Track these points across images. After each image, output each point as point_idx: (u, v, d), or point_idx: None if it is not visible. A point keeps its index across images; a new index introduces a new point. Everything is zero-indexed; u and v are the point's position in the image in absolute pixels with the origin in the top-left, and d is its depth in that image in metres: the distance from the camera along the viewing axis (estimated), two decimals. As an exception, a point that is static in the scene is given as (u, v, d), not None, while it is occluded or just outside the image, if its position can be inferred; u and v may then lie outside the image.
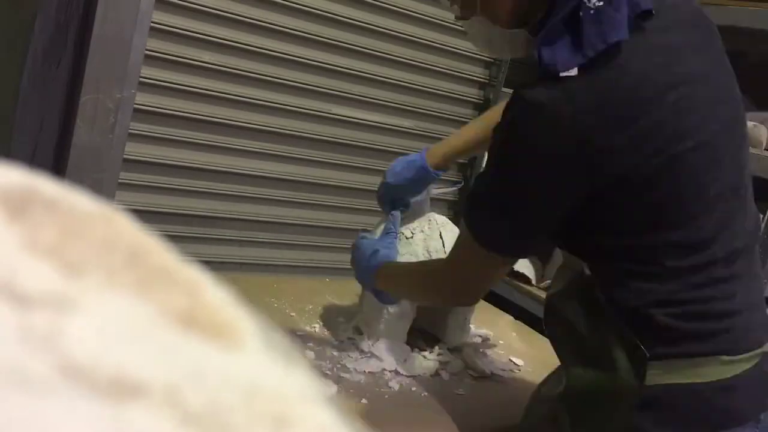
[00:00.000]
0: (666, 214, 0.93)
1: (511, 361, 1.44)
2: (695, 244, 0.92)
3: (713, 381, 0.92)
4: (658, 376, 0.92)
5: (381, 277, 1.20)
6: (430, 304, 1.34)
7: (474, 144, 1.30)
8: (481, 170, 1.06)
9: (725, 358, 0.92)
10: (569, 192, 0.92)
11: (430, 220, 1.38)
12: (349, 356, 1.30)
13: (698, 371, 0.92)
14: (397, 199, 1.33)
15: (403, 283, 1.20)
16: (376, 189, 1.35)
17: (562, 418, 1.01)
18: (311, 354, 1.27)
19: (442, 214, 1.45)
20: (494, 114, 1.24)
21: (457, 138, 1.33)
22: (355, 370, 1.25)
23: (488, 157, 1.02)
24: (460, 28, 2.17)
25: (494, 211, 0.97)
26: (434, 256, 1.32)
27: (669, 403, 0.93)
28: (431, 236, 1.35)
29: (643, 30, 0.91)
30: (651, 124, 0.89)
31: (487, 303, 1.66)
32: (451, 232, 1.36)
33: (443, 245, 1.34)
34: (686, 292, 0.92)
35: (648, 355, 0.91)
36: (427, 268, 1.18)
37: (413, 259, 1.30)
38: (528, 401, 1.14)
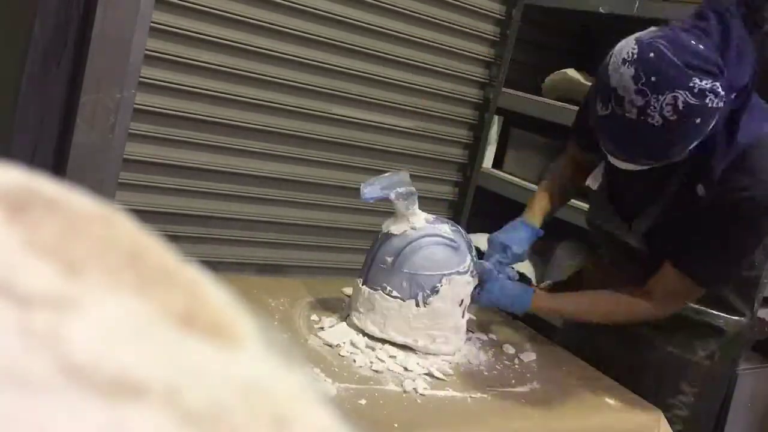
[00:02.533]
0: None
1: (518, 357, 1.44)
2: None
3: None
4: None
5: (544, 303, 1.43)
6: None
7: (558, 203, 1.55)
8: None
9: None
10: None
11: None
12: (349, 356, 1.30)
13: None
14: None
15: (592, 312, 1.41)
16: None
17: None
18: (310, 354, 1.27)
19: (442, 214, 1.45)
20: (562, 172, 1.56)
21: (544, 199, 1.53)
22: (355, 369, 1.25)
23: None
24: (459, 27, 2.17)
25: (725, 264, 1.30)
26: None
27: None
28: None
29: None
30: None
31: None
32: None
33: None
34: None
35: None
36: (629, 304, 1.35)
37: None
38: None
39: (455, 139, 2.36)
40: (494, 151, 2.34)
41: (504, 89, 2.26)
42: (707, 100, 1.06)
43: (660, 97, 1.06)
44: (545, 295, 1.45)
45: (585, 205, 2.17)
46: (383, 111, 2.17)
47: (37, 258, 0.18)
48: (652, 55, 1.07)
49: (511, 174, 2.29)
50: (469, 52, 2.30)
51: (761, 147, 1.18)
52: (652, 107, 1.06)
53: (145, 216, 1.80)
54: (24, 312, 0.17)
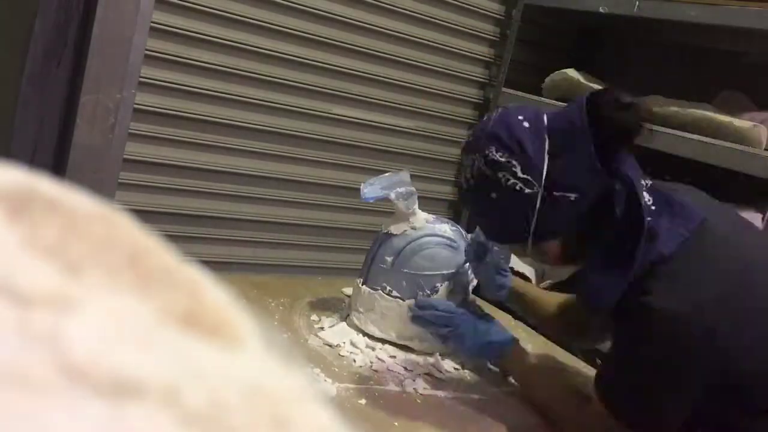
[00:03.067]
0: None
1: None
2: None
3: None
4: None
5: (519, 372, 1.29)
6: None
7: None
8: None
9: None
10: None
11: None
12: (349, 356, 1.30)
13: None
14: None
15: (547, 403, 1.22)
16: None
17: None
18: (310, 354, 1.27)
19: (442, 214, 1.45)
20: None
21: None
22: (355, 369, 1.25)
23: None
24: (459, 27, 2.17)
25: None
26: None
27: None
28: None
29: None
30: None
31: (487, 302, 1.66)
32: None
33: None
34: None
35: None
36: (574, 406, 1.17)
37: None
38: None
39: (455, 139, 2.36)
40: (494, 151, 2.34)
41: (504, 89, 2.26)
42: (500, 175, 1.05)
43: (467, 156, 1.10)
44: (524, 354, 1.30)
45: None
46: (383, 111, 2.17)
47: (37, 258, 0.18)
48: (485, 118, 1.13)
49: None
50: (469, 52, 2.30)
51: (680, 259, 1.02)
52: (462, 168, 1.11)
53: (145, 216, 1.80)
54: (24, 312, 0.17)
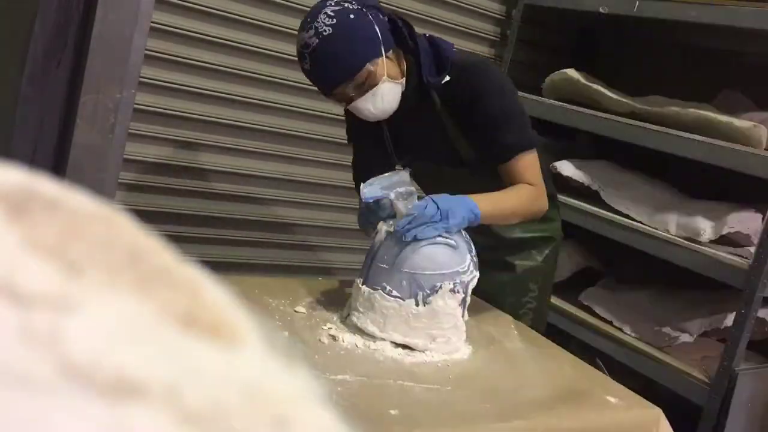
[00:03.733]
0: None
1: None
2: None
3: None
4: None
5: (484, 210, 1.43)
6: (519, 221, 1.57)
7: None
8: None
9: None
10: None
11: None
12: (349, 355, 1.30)
13: None
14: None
15: (507, 210, 1.48)
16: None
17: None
18: (310, 353, 1.27)
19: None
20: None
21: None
22: (355, 368, 1.25)
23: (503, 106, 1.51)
24: (459, 27, 2.18)
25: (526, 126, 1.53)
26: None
27: None
28: None
29: None
30: None
31: (486, 303, 1.66)
32: None
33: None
34: None
35: None
36: (526, 194, 1.48)
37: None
38: None
39: (455, 139, 2.36)
40: (494, 151, 2.34)
41: (504, 89, 2.26)
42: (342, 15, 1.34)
43: (310, 26, 1.33)
44: (481, 197, 1.44)
45: (585, 205, 2.17)
46: (383, 111, 2.17)
47: (37, 258, 0.18)
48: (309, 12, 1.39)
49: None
50: (469, 52, 2.30)
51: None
52: (317, 29, 1.33)
53: (145, 216, 1.80)
54: (24, 312, 0.17)
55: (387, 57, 1.41)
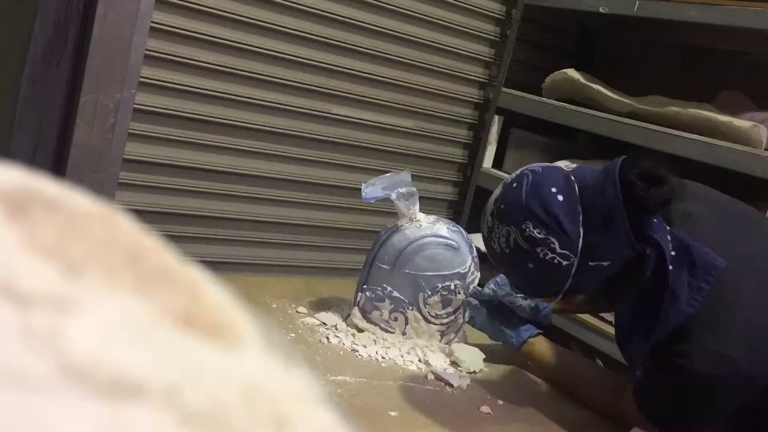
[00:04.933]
0: None
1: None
2: None
3: None
4: None
5: (539, 357, 1.36)
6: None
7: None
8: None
9: None
10: None
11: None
12: (349, 355, 1.30)
13: None
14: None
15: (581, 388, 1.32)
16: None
17: None
18: (310, 353, 1.27)
19: (442, 214, 1.45)
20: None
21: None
22: (356, 368, 1.25)
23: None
24: (459, 27, 2.18)
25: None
26: None
27: None
28: None
29: None
30: None
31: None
32: None
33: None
34: None
35: None
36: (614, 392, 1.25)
37: None
38: None
39: (455, 139, 2.36)
40: (494, 151, 2.35)
41: (504, 89, 2.26)
42: (538, 250, 1.07)
43: (500, 225, 1.11)
44: (546, 344, 1.37)
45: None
46: (383, 111, 2.17)
47: (37, 258, 0.18)
48: (515, 185, 1.12)
49: (511, 174, 2.29)
50: (469, 52, 2.30)
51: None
52: (494, 233, 1.12)
53: (145, 216, 1.80)
54: (24, 312, 0.17)
55: None
